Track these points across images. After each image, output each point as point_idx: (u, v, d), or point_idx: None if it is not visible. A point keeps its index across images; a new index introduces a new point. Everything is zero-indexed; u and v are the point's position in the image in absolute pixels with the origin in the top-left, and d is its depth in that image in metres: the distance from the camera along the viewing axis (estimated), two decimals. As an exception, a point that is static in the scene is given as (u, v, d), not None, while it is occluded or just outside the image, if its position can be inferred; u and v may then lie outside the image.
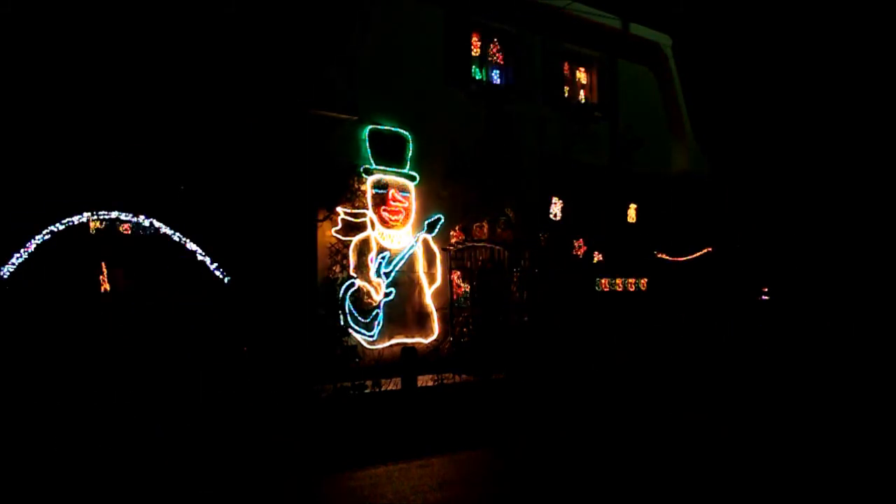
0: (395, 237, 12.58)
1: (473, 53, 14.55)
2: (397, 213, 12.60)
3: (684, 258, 17.09)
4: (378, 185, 12.42)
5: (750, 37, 23.22)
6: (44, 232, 9.28)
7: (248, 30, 11.52)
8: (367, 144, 12.45)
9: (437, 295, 13.07)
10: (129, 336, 9.49)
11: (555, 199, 15.15)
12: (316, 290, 11.80)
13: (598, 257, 15.73)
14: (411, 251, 12.80)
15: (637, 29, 16.51)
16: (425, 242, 13.00)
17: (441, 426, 9.45)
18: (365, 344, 11.92)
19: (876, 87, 23.24)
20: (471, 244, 13.24)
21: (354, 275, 12.00)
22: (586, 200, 16.51)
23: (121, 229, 9.92)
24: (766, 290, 19.21)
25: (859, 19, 22.98)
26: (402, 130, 12.89)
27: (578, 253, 15.32)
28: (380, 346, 12.13)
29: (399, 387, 10.44)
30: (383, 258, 12.33)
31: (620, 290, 14.95)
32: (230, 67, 11.18)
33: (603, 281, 15.05)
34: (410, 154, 12.94)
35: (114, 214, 9.82)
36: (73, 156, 9.92)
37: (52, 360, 8.87)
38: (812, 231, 21.54)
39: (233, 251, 10.94)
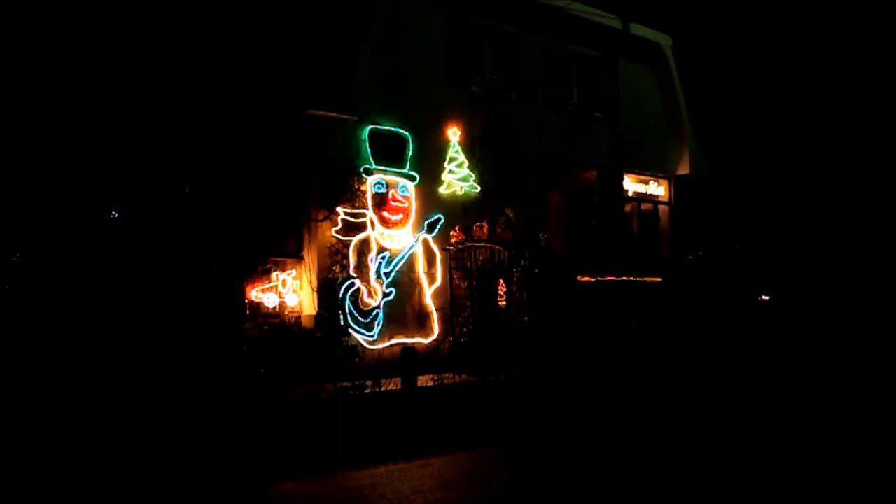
0: (395, 237, 12.58)
1: (473, 53, 14.54)
2: (397, 213, 12.60)
3: (684, 258, 17.07)
4: (378, 185, 12.43)
5: (750, 37, 23.22)
6: (44, 232, 9.28)
7: (248, 30, 11.53)
8: (367, 144, 12.45)
9: (437, 295, 13.07)
10: (128, 336, 9.49)
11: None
12: (316, 290, 11.82)
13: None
14: (411, 251, 12.80)
15: (637, 29, 16.50)
16: (425, 242, 13.00)
17: (441, 426, 9.44)
18: (365, 344, 11.92)
19: (876, 88, 23.23)
20: (471, 244, 13.23)
21: (354, 275, 12.00)
22: (586, 200, 16.54)
23: (121, 229, 9.91)
24: (766, 290, 19.20)
25: (859, 19, 22.97)
26: (402, 130, 12.88)
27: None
28: (380, 346, 12.12)
29: (399, 387, 10.43)
30: (383, 258, 12.33)
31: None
32: (231, 68, 11.18)
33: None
34: (410, 154, 12.94)
35: (114, 214, 9.81)
36: (74, 156, 9.92)
37: (49, 361, 8.86)
38: (812, 231, 21.52)
39: (233, 251, 10.95)
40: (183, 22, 10.89)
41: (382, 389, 10.32)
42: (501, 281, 13.33)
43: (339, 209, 11.96)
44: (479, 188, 13.69)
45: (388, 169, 12.60)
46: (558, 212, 16.01)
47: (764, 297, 18.78)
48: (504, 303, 13.29)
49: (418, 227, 12.91)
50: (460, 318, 12.94)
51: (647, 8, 16.83)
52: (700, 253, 16.70)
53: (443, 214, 13.12)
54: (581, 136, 15.61)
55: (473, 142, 13.92)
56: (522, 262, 13.36)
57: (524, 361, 12.08)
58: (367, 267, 12.17)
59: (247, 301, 12.04)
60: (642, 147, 16.07)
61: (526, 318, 13.12)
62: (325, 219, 11.98)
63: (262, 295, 11.65)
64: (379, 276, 12.25)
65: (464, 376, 11.79)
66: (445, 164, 13.43)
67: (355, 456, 7.86)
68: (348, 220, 12.02)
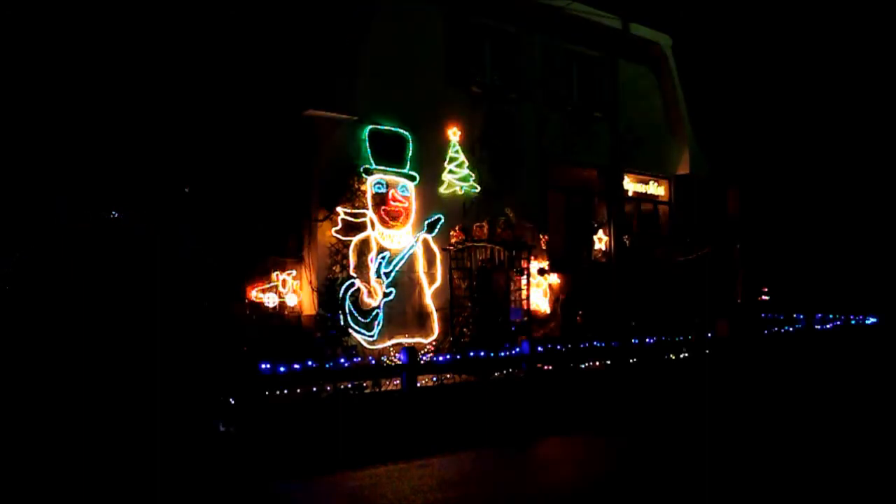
0: (395, 237, 12.57)
1: (473, 53, 14.54)
2: (397, 213, 12.60)
3: (684, 258, 17.08)
4: (378, 185, 12.42)
5: (749, 36, 23.23)
6: (44, 232, 9.27)
7: (248, 31, 11.53)
8: (367, 144, 12.44)
9: (437, 295, 13.07)
10: (126, 336, 9.48)
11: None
12: (316, 290, 11.81)
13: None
14: (411, 251, 12.80)
15: (637, 29, 16.50)
16: (425, 242, 13.00)
17: (441, 426, 9.45)
18: (365, 344, 11.91)
19: (876, 88, 23.24)
20: (471, 244, 13.23)
21: (354, 275, 12.00)
22: (586, 200, 16.53)
23: (121, 229, 9.91)
24: (766, 290, 19.21)
25: (859, 19, 22.98)
26: (402, 130, 12.88)
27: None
28: (380, 346, 12.12)
29: (399, 387, 10.43)
30: (383, 258, 12.33)
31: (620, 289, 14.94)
32: (231, 68, 11.19)
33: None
34: (410, 154, 12.93)
35: (114, 214, 9.81)
36: (74, 156, 9.93)
37: (47, 360, 8.86)
38: (812, 230, 21.52)
39: (233, 251, 10.95)
40: (183, 23, 10.89)
41: (382, 389, 10.33)
42: (501, 281, 13.33)
43: (339, 209, 11.95)
44: (479, 188, 13.69)
45: (388, 169, 12.60)
46: (558, 212, 16.02)
47: (764, 297, 18.78)
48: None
49: (418, 227, 12.91)
50: (460, 318, 12.94)
51: (647, 8, 16.84)
52: (700, 253, 16.72)
53: (443, 214, 13.12)
54: (581, 136, 15.62)
55: (473, 142, 13.92)
56: (522, 262, 13.37)
57: (524, 361, 12.06)
58: (367, 267, 12.17)
59: (247, 301, 12.04)
60: (642, 147, 16.08)
61: (526, 319, 13.12)
62: (325, 219, 11.98)
63: (262, 295, 11.64)
64: (379, 276, 12.25)
65: (464, 376, 11.79)
66: (445, 164, 13.43)
67: (355, 456, 7.87)
68: (348, 220, 12.02)
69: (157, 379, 8.74)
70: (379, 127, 12.65)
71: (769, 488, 6.78)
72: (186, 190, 11.23)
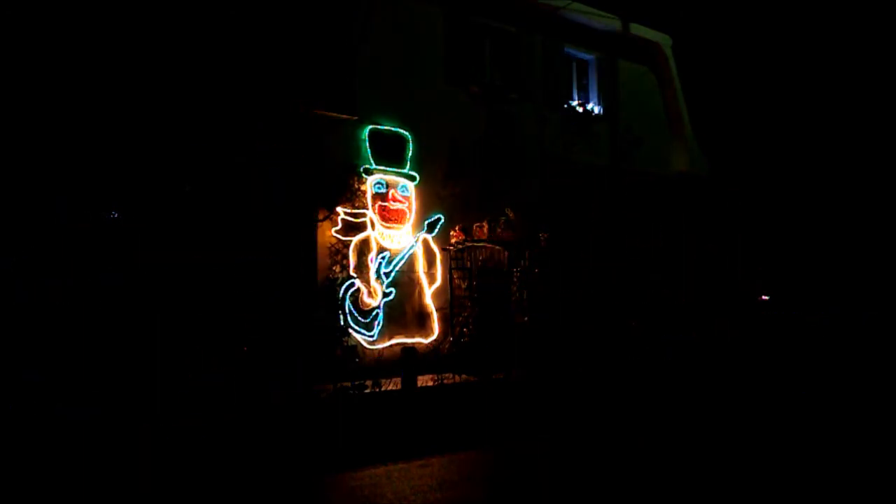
0: (395, 237, 12.58)
1: (473, 53, 14.55)
2: (397, 213, 12.60)
3: (684, 258, 17.06)
4: (378, 184, 12.43)
5: (749, 36, 23.23)
6: (45, 231, 9.28)
7: (249, 30, 11.54)
8: (367, 144, 12.46)
9: (437, 295, 13.07)
10: (126, 335, 9.49)
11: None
12: (316, 290, 11.81)
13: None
14: (411, 251, 12.80)
15: (637, 29, 16.50)
16: (425, 242, 13.00)
17: (441, 426, 9.45)
18: (365, 344, 11.92)
19: (876, 87, 23.24)
20: (471, 244, 13.23)
21: (354, 275, 12.00)
22: (586, 200, 16.52)
23: (122, 229, 9.92)
24: (766, 289, 19.20)
25: (859, 19, 22.98)
26: (402, 130, 12.88)
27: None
28: (380, 346, 12.12)
29: (399, 387, 10.43)
30: (383, 258, 12.33)
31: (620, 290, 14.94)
32: (231, 68, 11.19)
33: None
34: (410, 154, 12.94)
35: (114, 215, 9.81)
36: (74, 156, 9.93)
37: (47, 359, 8.88)
38: (812, 230, 21.52)
39: (233, 251, 10.94)
40: (184, 23, 10.89)
41: (382, 389, 10.33)
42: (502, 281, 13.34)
43: (339, 209, 11.96)
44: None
45: (388, 169, 12.60)
46: (558, 211, 16.01)
47: (764, 297, 18.79)
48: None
49: (418, 227, 12.91)
50: (460, 318, 12.94)
51: (646, 8, 16.84)
52: (700, 253, 16.72)
53: (443, 214, 13.13)
54: (581, 136, 15.62)
55: (474, 142, 13.91)
56: (522, 262, 13.37)
57: (525, 361, 12.08)
58: (367, 267, 12.17)
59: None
60: (642, 147, 16.08)
61: (526, 319, 13.12)
62: (325, 219, 11.98)
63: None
64: (379, 276, 12.25)
65: (464, 376, 11.80)
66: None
67: (355, 456, 7.87)
68: (348, 220, 12.03)
69: (156, 377, 8.75)
70: (379, 127, 12.65)
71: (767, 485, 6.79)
72: (187, 189, 11.22)
